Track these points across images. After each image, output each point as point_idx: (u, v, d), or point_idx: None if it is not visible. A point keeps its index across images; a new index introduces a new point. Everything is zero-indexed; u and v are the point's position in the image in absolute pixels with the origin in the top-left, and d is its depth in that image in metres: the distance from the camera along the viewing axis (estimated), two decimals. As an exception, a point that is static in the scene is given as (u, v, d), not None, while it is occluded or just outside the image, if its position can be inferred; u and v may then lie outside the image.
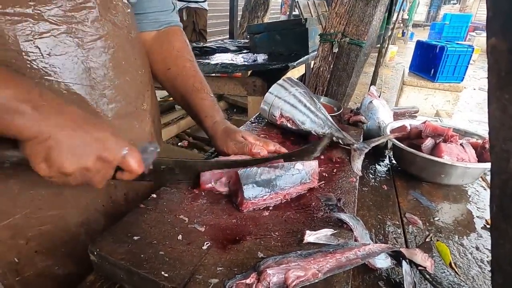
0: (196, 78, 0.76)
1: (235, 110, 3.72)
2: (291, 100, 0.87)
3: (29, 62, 0.44)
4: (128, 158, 0.46)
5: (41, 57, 0.45)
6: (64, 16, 0.46)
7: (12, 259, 0.50)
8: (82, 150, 0.41)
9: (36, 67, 0.45)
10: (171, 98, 3.52)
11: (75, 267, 0.56)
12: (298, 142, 0.85)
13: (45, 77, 0.46)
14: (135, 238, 0.46)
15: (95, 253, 0.43)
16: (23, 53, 0.43)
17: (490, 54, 0.30)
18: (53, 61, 0.46)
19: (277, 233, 0.49)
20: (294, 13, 6.76)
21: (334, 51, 1.38)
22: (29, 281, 0.53)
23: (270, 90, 0.91)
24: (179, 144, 2.80)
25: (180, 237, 0.47)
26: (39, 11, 0.43)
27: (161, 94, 3.68)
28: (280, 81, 0.92)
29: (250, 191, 0.53)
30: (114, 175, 0.48)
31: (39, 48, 0.44)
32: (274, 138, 0.86)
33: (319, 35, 1.45)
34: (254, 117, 1.03)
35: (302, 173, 0.58)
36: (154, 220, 0.50)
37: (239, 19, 5.16)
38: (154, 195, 0.56)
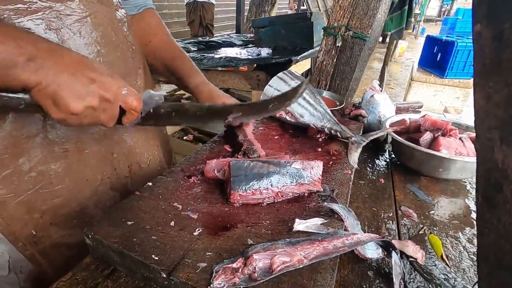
0: (174, 47, 0.85)
1: (241, 104, 3.72)
2: (290, 93, 0.87)
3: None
4: (127, 97, 0.48)
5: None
6: None
7: (30, 232, 0.54)
8: (84, 91, 0.43)
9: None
10: (177, 93, 3.54)
11: None
12: (297, 135, 0.85)
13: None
14: (129, 223, 0.47)
15: (90, 236, 0.45)
16: None
17: (475, 41, 0.30)
18: (48, 37, 0.48)
19: (268, 221, 0.50)
20: (302, 7, 6.68)
21: (337, 45, 1.37)
22: (47, 250, 0.57)
23: (269, 83, 0.91)
24: (184, 138, 2.83)
25: (172, 223, 0.48)
26: None
27: (167, 88, 3.72)
28: (279, 74, 0.92)
29: (238, 183, 0.53)
30: (120, 120, 0.51)
31: (31, 27, 0.46)
32: (273, 130, 0.87)
33: (322, 28, 1.44)
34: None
35: (300, 173, 0.56)
36: (149, 206, 0.51)
37: (246, 13, 5.14)
38: (150, 183, 0.57)
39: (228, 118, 0.56)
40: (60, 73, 0.41)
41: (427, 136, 0.76)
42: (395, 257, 0.47)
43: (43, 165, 0.53)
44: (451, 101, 3.22)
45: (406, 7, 2.45)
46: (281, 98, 0.57)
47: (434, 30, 10.51)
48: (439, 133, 0.75)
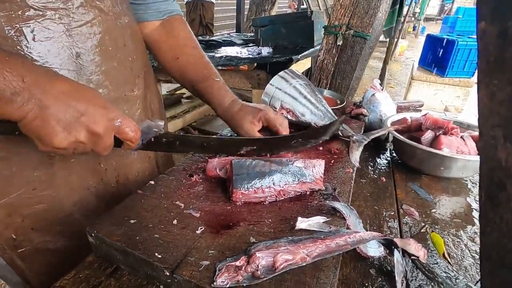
0: (202, 64, 0.77)
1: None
2: (292, 92, 0.87)
3: (14, 47, 0.45)
4: (122, 128, 0.46)
5: (27, 42, 0.45)
6: (48, 2, 0.46)
7: (10, 236, 0.53)
8: (70, 125, 0.41)
9: (22, 52, 0.45)
10: (178, 92, 3.53)
11: (70, 242, 0.59)
12: (297, 133, 0.85)
13: (33, 61, 0.47)
14: (132, 221, 0.47)
15: (93, 234, 0.45)
16: (9, 39, 0.44)
17: (479, 38, 0.30)
18: (38, 46, 0.47)
19: (270, 220, 0.50)
20: (302, 6, 6.67)
21: (338, 43, 1.36)
22: (27, 255, 0.56)
23: (271, 81, 0.91)
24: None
25: (175, 221, 0.48)
26: None
27: (167, 87, 3.71)
28: (281, 73, 0.92)
29: (240, 182, 0.53)
30: (120, 144, 0.49)
31: (23, 34, 0.45)
32: (274, 129, 0.87)
33: (323, 27, 1.44)
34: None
35: (302, 171, 0.56)
36: (151, 205, 0.51)
37: (246, 12, 5.13)
38: (152, 182, 0.57)
39: (240, 151, 0.55)
40: (46, 107, 0.40)
41: (428, 135, 0.76)
42: (397, 255, 0.47)
43: (26, 171, 0.52)
44: (451, 100, 3.22)
45: (397, 6, 2.45)
46: (306, 135, 0.54)
47: (434, 29, 10.48)
48: (441, 132, 0.75)
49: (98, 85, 0.55)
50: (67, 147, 0.42)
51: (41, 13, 0.46)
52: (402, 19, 3.08)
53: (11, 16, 0.44)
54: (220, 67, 2.10)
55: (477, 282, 0.47)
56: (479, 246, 0.56)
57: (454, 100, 3.20)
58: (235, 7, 4.77)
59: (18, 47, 0.45)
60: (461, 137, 0.75)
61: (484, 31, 0.29)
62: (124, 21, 0.59)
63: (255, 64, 2.06)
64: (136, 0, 0.68)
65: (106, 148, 0.47)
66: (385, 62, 3.07)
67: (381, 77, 3.11)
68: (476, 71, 0.31)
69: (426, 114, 0.81)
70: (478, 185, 0.77)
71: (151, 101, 0.73)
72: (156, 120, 0.53)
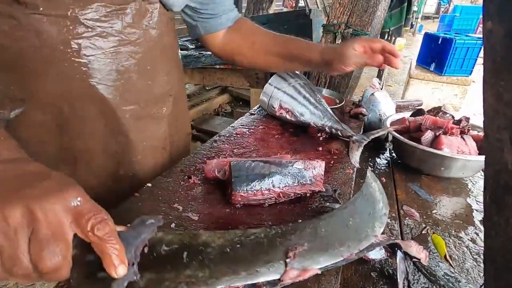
0: (281, 36, 0.81)
1: (240, 103, 3.71)
2: (291, 92, 0.86)
3: (62, 58, 0.48)
4: (81, 211, 0.29)
5: (74, 56, 0.49)
6: (98, 21, 0.49)
7: None
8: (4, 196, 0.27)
9: (68, 64, 0.49)
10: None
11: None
12: (297, 133, 0.84)
13: (76, 75, 0.50)
14: (129, 225, 0.46)
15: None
16: (58, 51, 0.47)
17: (486, 38, 0.29)
18: (84, 61, 0.50)
19: (270, 222, 0.49)
20: (300, 4, 6.66)
21: (337, 42, 1.35)
22: None
23: (269, 81, 0.90)
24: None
25: (173, 225, 0.47)
26: (75, 15, 0.47)
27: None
28: (280, 72, 0.91)
29: (239, 184, 0.52)
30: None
31: (72, 48, 0.48)
32: (273, 129, 0.86)
33: (322, 25, 1.43)
34: (253, 108, 1.02)
35: (302, 173, 0.55)
36: (148, 208, 0.50)
37: (243, 10, 5.10)
38: (149, 184, 0.56)
39: (288, 257, 0.36)
40: None
41: (428, 135, 0.75)
42: (400, 256, 0.47)
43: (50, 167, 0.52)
44: (449, 99, 3.22)
45: (405, 4, 2.44)
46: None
47: (432, 27, 10.51)
48: (440, 132, 0.74)
49: (130, 102, 0.58)
50: None
51: (91, 30, 0.49)
52: (411, 16, 3.07)
53: (63, 30, 0.47)
54: (218, 66, 2.09)
55: (481, 286, 0.47)
56: (480, 247, 0.55)
57: (452, 98, 3.20)
58: (233, 5, 4.75)
59: (66, 59, 0.48)
60: (462, 137, 0.74)
61: (491, 31, 0.28)
62: (166, 41, 0.62)
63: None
64: (207, 16, 0.73)
65: (42, 255, 0.26)
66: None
67: (379, 76, 3.11)
68: (482, 71, 0.30)
69: (425, 115, 0.80)
70: (476, 184, 0.77)
71: (178, 118, 0.73)
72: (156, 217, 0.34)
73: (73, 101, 0.53)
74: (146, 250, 0.33)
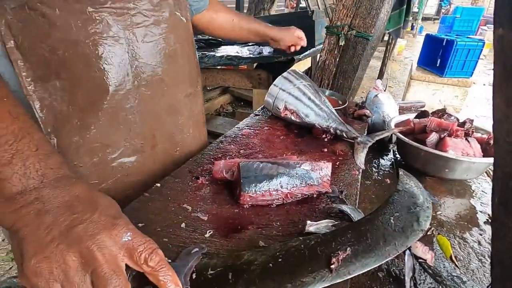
0: (248, 17, 1.08)
1: (242, 103, 3.71)
2: (296, 93, 0.87)
3: (125, 47, 0.54)
4: (134, 246, 0.32)
5: (136, 42, 0.55)
6: (151, 10, 0.57)
7: None
8: (60, 237, 0.30)
9: (129, 51, 0.55)
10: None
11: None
12: (302, 135, 0.85)
13: (137, 59, 0.56)
14: (140, 225, 0.47)
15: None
16: (121, 39, 0.53)
17: (497, 44, 0.30)
18: (143, 47, 0.57)
19: (278, 223, 0.50)
20: (301, 5, 6.66)
21: (340, 44, 1.36)
22: None
23: (274, 82, 0.91)
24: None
25: (183, 225, 0.48)
26: (136, 5, 0.54)
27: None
28: (285, 74, 0.91)
29: (248, 184, 0.53)
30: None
31: (135, 36, 0.55)
32: (278, 130, 0.87)
33: (325, 27, 1.43)
34: (258, 109, 1.03)
35: (309, 174, 0.56)
36: (158, 208, 0.51)
37: (245, 11, 5.11)
38: (158, 184, 0.57)
39: (332, 263, 0.36)
40: (28, 222, 0.30)
41: (433, 137, 0.76)
42: (408, 255, 0.47)
43: (124, 157, 0.59)
44: (450, 100, 3.24)
45: (405, 6, 2.44)
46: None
47: (432, 28, 10.51)
48: (445, 134, 0.75)
49: (179, 81, 0.67)
50: (43, 271, 0.28)
51: (147, 18, 0.57)
52: (410, 18, 3.07)
53: (127, 21, 0.54)
54: (220, 67, 2.09)
55: (488, 286, 0.47)
56: (485, 249, 0.56)
57: (452, 100, 3.21)
58: (234, 6, 4.76)
59: (128, 46, 0.55)
60: (466, 139, 0.75)
61: (502, 37, 0.29)
62: (190, 27, 0.70)
63: (255, 63, 2.05)
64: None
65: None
66: (384, 63, 3.08)
67: (380, 77, 3.11)
68: (493, 77, 0.31)
69: (430, 116, 0.81)
70: (480, 186, 0.77)
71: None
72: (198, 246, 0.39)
73: (138, 85, 0.58)
74: (194, 276, 0.36)
